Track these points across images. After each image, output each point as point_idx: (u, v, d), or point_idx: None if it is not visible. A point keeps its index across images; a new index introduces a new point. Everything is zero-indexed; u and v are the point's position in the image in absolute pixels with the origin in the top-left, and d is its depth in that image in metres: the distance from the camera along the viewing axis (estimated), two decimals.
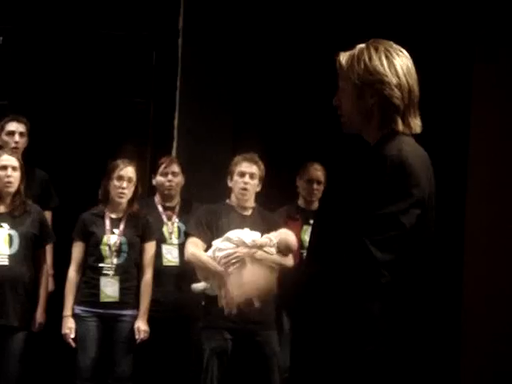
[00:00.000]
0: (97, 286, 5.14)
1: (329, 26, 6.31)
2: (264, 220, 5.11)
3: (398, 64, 2.55)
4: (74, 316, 5.15)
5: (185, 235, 5.18)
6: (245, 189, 5.08)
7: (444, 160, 6.29)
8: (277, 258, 4.91)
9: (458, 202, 6.19)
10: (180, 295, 5.32)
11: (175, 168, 5.48)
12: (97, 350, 5.13)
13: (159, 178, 5.48)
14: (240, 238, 4.85)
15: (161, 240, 5.37)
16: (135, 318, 5.16)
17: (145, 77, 6.68)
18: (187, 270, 5.32)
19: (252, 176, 5.08)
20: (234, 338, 4.94)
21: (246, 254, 4.83)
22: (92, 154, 6.44)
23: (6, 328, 4.99)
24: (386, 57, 2.55)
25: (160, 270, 5.31)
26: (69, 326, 5.13)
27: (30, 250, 5.14)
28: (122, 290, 5.14)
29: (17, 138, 5.63)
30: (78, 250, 5.22)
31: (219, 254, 4.85)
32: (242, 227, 4.98)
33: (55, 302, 5.33)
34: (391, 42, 2.62)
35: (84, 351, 5.12)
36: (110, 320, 5.15)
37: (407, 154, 2.45)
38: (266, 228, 5.01)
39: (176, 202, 5.52)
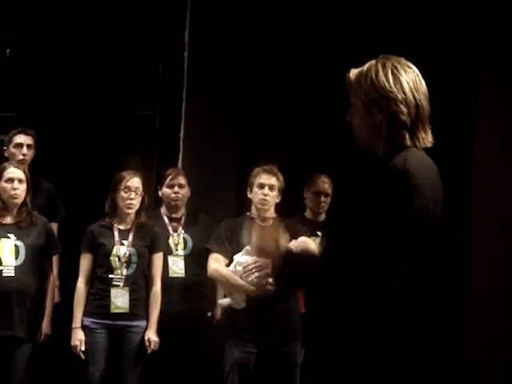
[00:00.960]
0: (106, 298, 5.14)
1: (334, 40, 6.33)
2: (285, 229, 5.09)
3: (405, 80, 2.57)
4: (84, 328, 5.14)
5: (206, 251, 5.18)
6: (264, 200, 5.09)
7: (449, 167, 6.33)
8: None
9: (463, 208, 6.21)
10: (186, 306, 5.33)
11: (182, 180, 5.49)
12: (105, 362, 5.12)
13: (165, 190, 5.49)
14: None
15: (167, 251, 5.37)
16: (144, 329, 5.17)
17: (151, 89, 6.70)
18: (193, 281, 5.36)
19: (271, 188, 5.09)
20: (259, 349, 4.93)
21: (266, 264, 4.84)
22: (98, 165, 6.48)
23: (12, 339, 4.99)
24: (393, 73, 2.58)
25: (166, 281, 5.31)
26: (79, 338, 5.12)
27: (36, 261, 5.15)
28: (131, 300, 5.14)
29: (24, 150, 5.66)
30: (86, 262, 5.22)
31: (240, 268, 4.87)
32: None
33: (61, 313, 5.33)
34: (400, 58, 2.65)
35: (93, 363, 5.11)
36: (119, 331, 5.14)
37: (411, 165, 2.48)
38: (288, 237, 5.00)
39: (182, 213, 5.53)
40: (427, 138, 2.61)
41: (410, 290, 2.49)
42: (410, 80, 2.58)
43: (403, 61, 2.64)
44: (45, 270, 5.25)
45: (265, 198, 5.08)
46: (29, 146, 5.68)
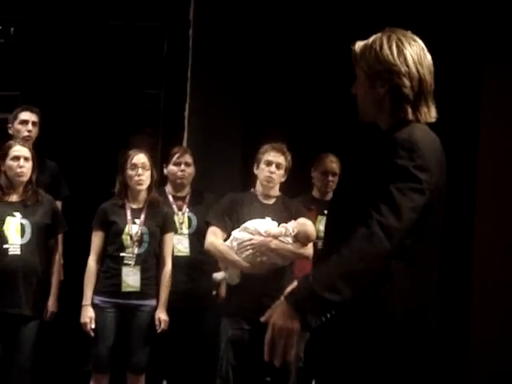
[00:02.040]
0: (117, 276, 5.13)
1: (341, 15, 6.30)
2: (287, 209, 5.10)
3: (409, 53, 2.56)
4: (93, 306, 5.13)
5: (205, 224, 5.17)
6: (270, 178, 5.09)
7: (454, 155, 6.33)
8: (292, 247, 4.93)
9: (468, 196, 6.21)
10: (191, 285, 5.34)
11: (188, 158, 5.49)
12: (114, 340, 5.12)
13: (172, 168, 5.49)
14: (256, 227, 4.88)
15: None
16: (154, 308, 5.16)
17: (156, 68, 6.68)
18: (198, 260, 5.37)
19: (278, 166, 5.09)
20: (252, 327, 4.92)
21: (260, 243, 4.86)
22: (103, 144, 6.48)
23: (18, 317, 5.00)
24: (397, 45, 2.57)
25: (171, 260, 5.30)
26: (89, 316, 5.10)
27: (42, 240, 5.16)
28: (142, 279, 5.13)
29: (30, 127, 5.66)
30: (97, 240, 5.21)
31: (236, 244, 4.88)
32: (263, 216, 5.00)
33: (66, 291, 5.34)
34: (406, 31, 2.63)
35: (102, 341, 5.10)
36: (129, 310, 5.13)
37: (417, 137, 2.47)
38: (289, 217, 5.02)
39: (186, 192, 5.53)
40: (430, 113, 2.61)
41: (414, 265, 2.49)
42: (414, 53, 2.57)
43: (409, 34, 2.62)
44: (50, 248, 5.26)
45: (271, 175, 5.08)
46: (34, 123, 5.68)
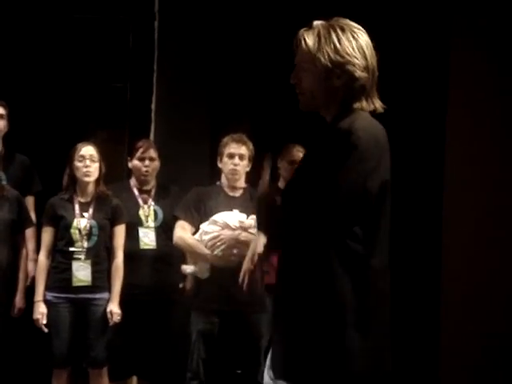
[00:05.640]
0: (67, 271, 5.12)
1: (305, 9, 6.29)
2: (254, 200, 5.11)
3: (364, 45, 2.58)
4: (46, 302, 5.12)
5: (173, 218, 5.17)
6: (234, 170, 5.08)
7: (421, 151, 6.38)
8: (263, 238, 4.92)
9: (435, 190, 6.26)
10: (157, 278, 5.32)
11: (152, 153, 5.46)
12: (70, 335, 5.12)
13: (136, 163, 5.46)
14: (225, 220, 4.87)
15: (137, 223, 5.36)
16: (107, 301, 5.16)
17: (121, 61, 6.64)
18: (164, 253, 5.36)
19: (241, 157, 5.09)
20: (221, 320, 4.94)
21: (230, 237, 4.85)
22: (69, 139, 6.41)
23: None
24: (353, 37, 2.58)
25: (137, 253, 5.31)
26: (40, 312, 5.10)
27: (8, 235, 5.14)
28: (93, 273, 5.12)
29: None
30: (47, 235, 5.19)
31: (205, 238, 4.87)
32: (230, 209, 4.99)
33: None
34: (352, 22, 2.64)
35: (58, 337, 5.11)
36: (82, 304, 5.13)
37: (358, 127, 2.48)
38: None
39: (152, 185, 5.50)
40: (379, 103, 2.63)
41: (363, 254, 2.50)
42: (367, 44, 2.59)
43: (356, 24, 2.63)
44: (17, 244, 5.23)
45: (235, 167, 5.08)
46: (1, 116, 5.63)
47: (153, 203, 5.44)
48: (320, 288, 2.48)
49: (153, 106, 6.47)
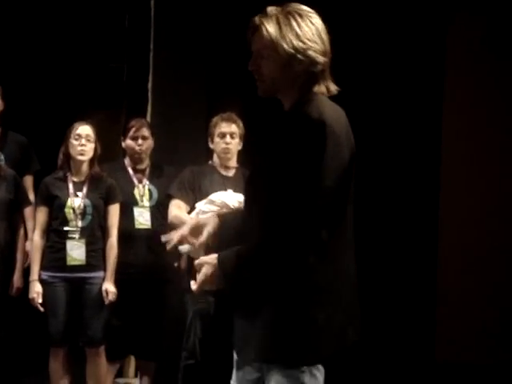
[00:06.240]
0: (62, 250, 5.13)
1: None
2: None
3: (321, 29, 2.62)
4: (41, 281, 5.14)
5: (167, 197, 5.16)
6: (227, 149, 5.08)
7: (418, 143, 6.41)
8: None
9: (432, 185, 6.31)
10: (152, 257, 5.33)
11: (145, 132, 5.44)
12: (67, 314, 5.14)
13: (129, 142, 5.45)
14: (223, 200, 4.87)
15: (132, 203, 5.36)
16: (103, 279, 5.18)
17: (118, 40, 6.64)
18: (159, 232, 5.32)
19: (232, 135, 5.09)
20: (217, 299, 4.92)
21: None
22: (67, 119, 6.42)
23: None
24: (312, 23, 2.61)
25: (132, 232, 5.32)
26: (36, 291, 5.12)
27: (5, 215, 5.15)
28: (88, 252, 5.13)
29: None
30: (41, 215, 5.20)
31: (202, 217, 4.86)
32: (224, 188, 4.98)
33: None
34: (303, 6, 2.67)
35: (54, 316, 5.13)
36: (77, 283, 5.15)
37: (327, 116, 2.51)
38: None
39: (146, 164, 5.50)
40: (333, 85, 2.66)
41: (330, 243, 2.53)
42: (323, 29, 2.63)
43: (309, 8, 2.66)
44: (15, 223, 5.25)
45: (227, 146, 5.08)
46: None
47: (147, 182, 5.44)
48: (291, 275, 2.51)
49: (149, 86, 6.46)
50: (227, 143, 5.07)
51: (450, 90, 6.39)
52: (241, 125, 5.11)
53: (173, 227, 5.06)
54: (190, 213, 4.97)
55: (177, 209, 5.01)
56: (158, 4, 6.48)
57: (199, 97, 6.38)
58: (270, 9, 2.65)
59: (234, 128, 5.08)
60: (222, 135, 5.08)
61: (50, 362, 5.23)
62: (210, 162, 5.20)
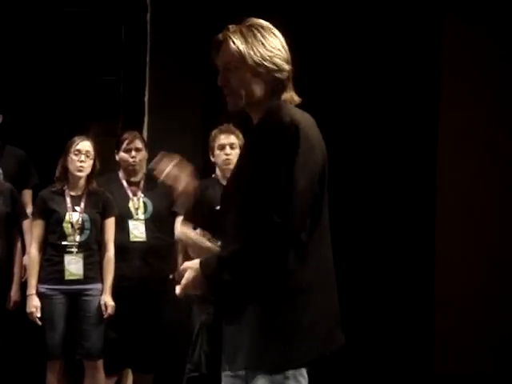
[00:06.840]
0: (60, 264, 5.12)
1: None
2: None
3: (282, 40, 2.71)
4: (39, 294, 5.13)
5: (172, 215, 5.18)
6: (227, 160, 5.09)
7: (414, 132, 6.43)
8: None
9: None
10: (147, 270, 5.33)
11: (138, 144, 5.44)
12: (64, 327, 5.14)
13: (122, 155, 5.45)
14: None
15: (127, 216, 5.36)
16: (100, 292, 5.18)
17: (114, 54, 6.65)
18: (154, 245, 5.36)
19: (232, 146, 5.10)
20: (216, 312, 4.94)
21: None
22: (63, 132, 6.44)
23: None
24: (274, 35, 2.69)
25: (127, 245, 5.32)
26: (34, 305, 5.11)
27: (2, 228, 5.16)
28: (85, 265, 5.13)
29: None
30: (38, 229, 5.19)
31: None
32: None
33: None
34: (262, 20, 2.73)
35: (52, 329, 5.12)
36: (75, 296, 5.14)
37: (299, 120, 2.55)
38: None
39: (140, 177, 5.49)
40: (295, 96, 2.71)
41: (309, 245, 2.56)
42: (283, 41, 2.71)
43: (268, 23, 2.72)
44: (12, 237, 5.25)
45: (228, 157, 5.09)
46: None
47: (142, 195, 5.44)
48: (272, 278, 2.53)
49: (146, 99, 6.48)
50: (227, 154, 5.09)
51: (446, 89, 6.40)
52: (240, 135, 5.12)
53: (173, 244, 5.08)
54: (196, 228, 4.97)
55: (183, 225, 5.01)
56: (154, 17, 6.50)
57: (195, 110, 6.39)
58: (232, 26, 2.72)
59: (233, 139, 5.10)
60: (222, 147, 5.10)
61: (48, 376, 5.22)
62: (213, 175, 5.21)
